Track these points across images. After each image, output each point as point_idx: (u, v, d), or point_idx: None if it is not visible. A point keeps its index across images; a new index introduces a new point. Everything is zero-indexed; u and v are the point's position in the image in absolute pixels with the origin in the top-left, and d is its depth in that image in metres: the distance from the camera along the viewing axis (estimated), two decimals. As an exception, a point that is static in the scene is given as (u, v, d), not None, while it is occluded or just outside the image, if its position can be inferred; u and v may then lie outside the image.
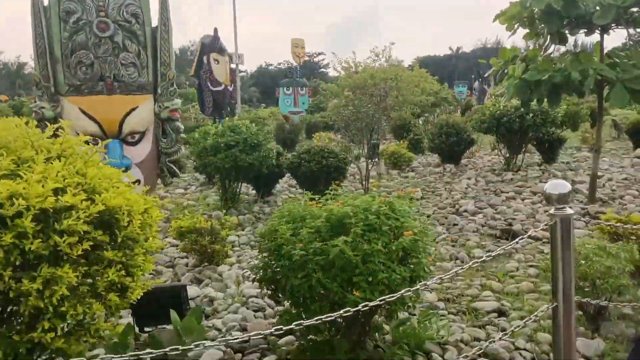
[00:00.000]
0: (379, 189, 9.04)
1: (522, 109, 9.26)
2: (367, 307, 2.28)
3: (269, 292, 3.19)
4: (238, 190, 8.06)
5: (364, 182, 8.91)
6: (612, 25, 6.78)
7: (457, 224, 6.57)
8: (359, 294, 2.70)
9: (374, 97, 8.62)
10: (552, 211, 2.41)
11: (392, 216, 3.01)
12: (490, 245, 5.63)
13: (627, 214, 6.16)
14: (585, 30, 7.00)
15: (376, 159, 10.48)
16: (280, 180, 8.98)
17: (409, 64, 31.80)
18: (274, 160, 7.89)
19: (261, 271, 3.13)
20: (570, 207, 2.51)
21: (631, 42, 7.20)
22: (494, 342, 2.76)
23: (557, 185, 2.41)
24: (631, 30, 6.94)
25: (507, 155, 10.32)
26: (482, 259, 2.62)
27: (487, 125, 9.96)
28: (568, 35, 7.18)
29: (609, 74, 5.86)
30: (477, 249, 5.51)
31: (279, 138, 16.96)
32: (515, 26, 6.94)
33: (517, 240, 2.80)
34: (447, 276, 2.42)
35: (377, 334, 3.21)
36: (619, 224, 3.97)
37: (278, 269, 2.98)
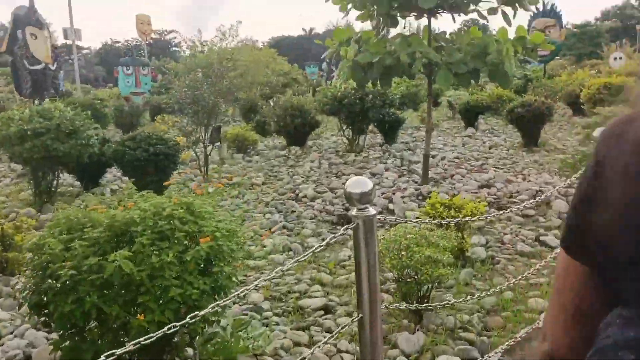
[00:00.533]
0: (220, 175, 8.57)
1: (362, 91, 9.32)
2: (151, 338, 1.82)
3: (41, 320, 2.59)
4: (55, 182, 7.08)
5: (202, 169, 8.38)
6: (439, 9, 6.95)
7: (294, 211, 6.35)
8: (143, 317, 2.24)
9: (210, 78, 8.05)
10: (354, 212, 2.14)
11: (190, 220, 2.58)
12: (325, 232, 5.46)
13: (453, 195, 6.41)
14: (415, 13, 7.12)
15: (218, 144, 9.96)
16: (109, 170, 8.11)
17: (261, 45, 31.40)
18: (96, 148, 7.04)
19: (29, 295, 2.53)
20: (374, 206, 2.27)
21: (466, 27, 7.46)
22: (319, 347, 2.47)
23: (358, 183, 2.13)
24: (456, 15, 7.19)
25: (350, 136, 10.39)
26: (312, 250, 2.25)
27: (330, 107, 9.91)
28: (399, 18, 7.28)
29: (434, 57, 5.94)
30: (312, 238, 5.30)
31: (117, 122, 15.65)
32: (349, 7, 6.82)
33: (348, 226, 2.52)
34: (268, 278, 2.03)
35: (180, 354, 2.78)
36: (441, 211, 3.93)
37: (45, 293, 2.41)
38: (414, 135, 12.68)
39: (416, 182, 7.45)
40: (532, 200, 6.38)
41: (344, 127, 10.46)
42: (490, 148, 10.42)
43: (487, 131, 13.20)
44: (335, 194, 7.03)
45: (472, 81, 6.56)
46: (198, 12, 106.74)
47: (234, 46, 18.68)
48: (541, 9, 17.52)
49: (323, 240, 5.33)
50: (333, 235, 2.26)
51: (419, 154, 9.92)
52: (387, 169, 8.44)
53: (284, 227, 5.74)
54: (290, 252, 4.93)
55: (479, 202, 4.71)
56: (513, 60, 6.35)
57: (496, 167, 8.31)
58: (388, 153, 10.06)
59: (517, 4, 6.54)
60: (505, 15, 6.73)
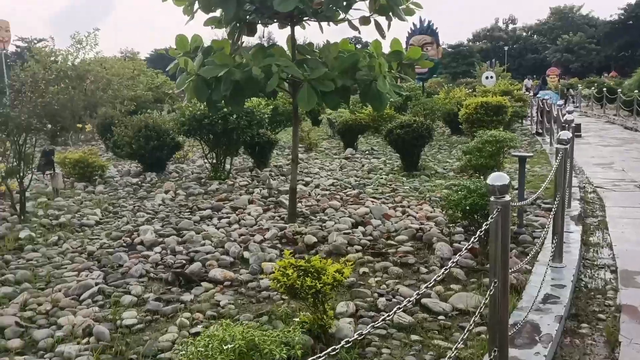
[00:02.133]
0: (46, 213, 6.86)
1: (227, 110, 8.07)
2: None
3: None
4: None
5: (17, 206, 6.64)
6: (304, 17, 5.92)
7: (121, 265, 4.91)
8: None
9: (21, 93, 6.39)
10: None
11: None
12: (151, 300, 4.10)
13: (322, 238, 5.34)
14: (276, 21, 6.04)
15: (51, 172, 8.18)
16: None
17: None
18: None
19: None
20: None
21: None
22: None
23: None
24: (325, 25, 6.21)
25: (214, 161, 9.08)
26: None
27: (188, 128, 8.54)
28: (260, 26, 6.17)
29: (295, 72, 4.86)
30: (130, 311, 3.92)
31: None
32: (195, 9, 5.57)
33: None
34: None
35: None
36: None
37: None
38: (289, 158, 11.60)
39: (283, 219, 6.32)
40: (412, 242, 5.52)
41: (206, 151, 9.13)
42: (369, 172, 9.60)
43: (367, 152, 12.51)
44: (181, 237, 5.67)
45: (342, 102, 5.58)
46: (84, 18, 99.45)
47: (93, 56, 16.60)
48: (418, 26, 17.44)
49: (147, 313, 4.00)
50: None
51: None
52: (251, 201, 7.24)
53: (99, 292, 4.30)
54: (92, 338, 3.51)
55: (346, 263, 3.63)
56: (388, 78, 5.44)
57: (374, 197, 7.42)
58: (257, 180, 8.87)
59: (391, 14, 5.67)
60: (378, 26, 5.84)
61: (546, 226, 4.53)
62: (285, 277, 3.26)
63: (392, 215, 6.24)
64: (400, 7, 5.78)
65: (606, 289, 4.25)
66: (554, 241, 4.41)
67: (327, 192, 7.84)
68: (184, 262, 4.92)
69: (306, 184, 8.52)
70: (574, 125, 6.34)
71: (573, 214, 6.20)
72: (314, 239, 5.40)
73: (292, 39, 5.88)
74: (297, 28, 6.13)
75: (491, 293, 2.54)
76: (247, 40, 7.36)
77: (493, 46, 78.87)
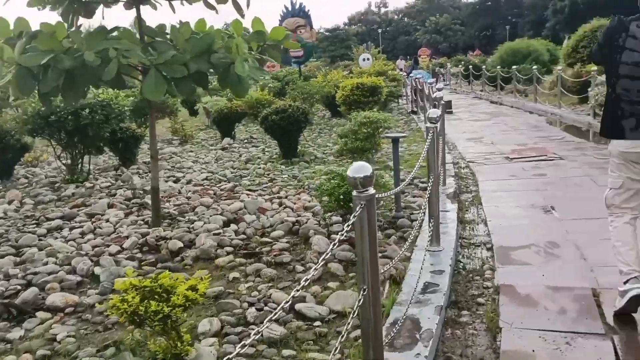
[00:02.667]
0: None
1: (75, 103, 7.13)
2: None
3: None
4: None
5: None
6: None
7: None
8: None
9: None
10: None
11: None
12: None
13: (190, 242, 4.77)
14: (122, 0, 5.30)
15: None
16: None
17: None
18: None
19: None
20: None
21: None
22: None
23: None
24: (177, 3, 5.58)
25: (69, 162, 8.08)
26: None
27: (32, 127, 7.47)
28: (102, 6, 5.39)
29: (137, 56, 4.21)
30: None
31: None
32: (13, -15, 4.68)
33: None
34: None
35: None
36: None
37: None
38: (163, 152, 10.78)
39: (147, 223, 5.65)
40: (289, 237, 5.13)
41: (59, 151, 8.09)
42: (246, 162, 9.10)
43: (246, 141, 11.98)
44: (20, 256, 4.82)
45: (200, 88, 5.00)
46: None
47: None
48: (290, 9, 17.07)
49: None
50: None
51: (163, 176, 8.11)
52: (112, 205, 6.45)
53: None
54: None
55: (203, 278, 3.12)
56: (250, 60, 4.96)
57: (250, 190, 6.94)
58: (122, 180, 8.02)
59: (248, -10, 5.18)
60: (236, 4, 5.33)
61: (422, 208, 4.35)
62: (126, 303, 2.69)
63: (267, 209, 5.81)
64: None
65: (484, 270, 4.15)
66: (430, 225, 4.23)
67: (200, 188, 7.22)
68: (18, 287, 4.12)
69: (177, 181, 7.84)
70: (443, 102, 6.29)
71: (449, 192, 6.17)
72: (180, 244, 4.82)
73: (138, 19, 5.19)
74: (151, 10, 5.47)
75: (360, 303, 2.18)
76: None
77: (368, 29, 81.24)
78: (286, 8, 16.99)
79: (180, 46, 4.62)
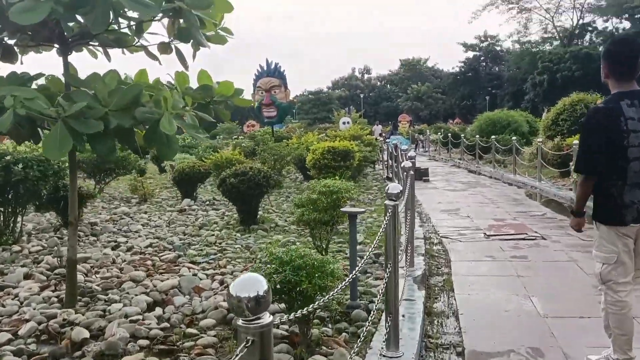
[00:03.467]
0: None
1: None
2: None
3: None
4: None
5: None
6: (82, 40, 4.62)
7: None
8: None
9: None
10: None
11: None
12: None
13: (98, 331, 3.85)
14: (56, 45, 4.65)
15: None
16: None
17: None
18: None
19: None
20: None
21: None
22: None
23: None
24: (118, 52, 4.96)
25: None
26: None
27: (-47, 181, 6.63)
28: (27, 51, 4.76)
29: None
30: None
31: None
32: None
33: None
34: None
35: None
36: None
37: None
38: (115, 212, 9.94)
39: (62, 301, 4.76)
40: (221, 328, 4.28)
41: (-14, 209, 7.22)
42: (200, 228, 8.29)
43: (208, 203, 11.19)
44: None
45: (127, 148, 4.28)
46: None
47: None
48: (265, 68, 16.74)
49: None
50: None
51: (103, 241, 7.26)
52: (29, 276, 5.56)
53: None
54: None
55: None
56: (189, 117, 4.29)
57: (194, 262, 6.11)
58: (49, 245, 7.14)
59: (192, 40, 4.57)
60: (179, 54, 4.72)
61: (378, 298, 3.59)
62: None
63: (204, 289, 4.97)
64: (206, 33, 4.74)
65: (452, 385, 3.34)
66: (387, 324, 3.44)
67: (138, 257, 6.37)
68: None
69: (116, 247, 6.97)
70: (412, 172, 5.64)
71: (416, 274, 5.41)
72: (86, 333, 3.94)
73: (64, 65, 4.52)
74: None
75: None
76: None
77: (351, 94, 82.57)
78: (261, 67, 16.65)
79: (102, 98, 3.92)
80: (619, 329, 3.20)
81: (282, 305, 3.64)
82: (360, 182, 14.49)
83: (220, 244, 7.17)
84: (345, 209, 4.30)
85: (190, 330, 4.03)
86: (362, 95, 76.85)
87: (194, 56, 4.87)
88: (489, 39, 70.83)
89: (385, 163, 16.94)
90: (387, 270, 3.41)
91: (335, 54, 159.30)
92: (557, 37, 61.99)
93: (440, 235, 7.81)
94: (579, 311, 4.45)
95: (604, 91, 20.00)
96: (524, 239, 7.31)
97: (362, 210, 4.27)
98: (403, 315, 4.23)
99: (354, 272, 3.78)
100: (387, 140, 18.24)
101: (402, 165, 5.63)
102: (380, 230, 3.37)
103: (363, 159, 13.42)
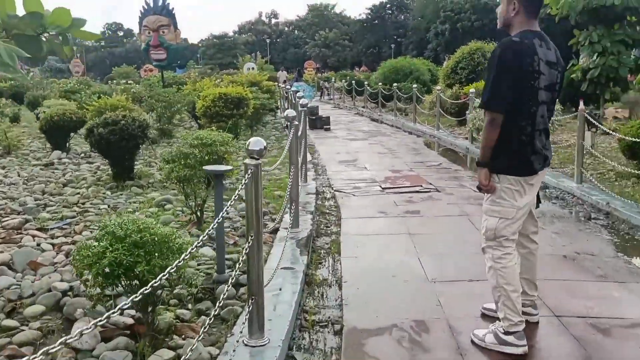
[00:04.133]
0: None
1: None
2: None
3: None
4: None
5: None
6: None
7: None
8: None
9: None
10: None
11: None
12: None
13: None
14: None
15: None
16: None
17: None
18: None
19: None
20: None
21: None
22: None
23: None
24: None
25: None
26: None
27: None
28: None
29: None
30: None
31: None
32: None
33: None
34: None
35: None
36: None
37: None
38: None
39: None
40: (49, 317, 3.50)
41: None
42: (65, 185, 7.23)
43: (83, 155, 9.98)
44: None
45: None
46: None
47: None
48: (152, 5, 15.14)
49: None
50: None
51: None
52: None
53: None
54: None
55: None
56: (2, 50, 3.31)
57: (41, 230, 5.17)
58: None
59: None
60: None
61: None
62: None
63: (42, 264, 4.12)
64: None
65: (324, 376, 2.84)
66: (249, 307, 2.85)
67: (-22, 224, 5.31)
68: None
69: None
70: (298, 122, 5.00)
71: (301, 237, 4.86)
72: None
73: None
74: None
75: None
76: None
77: (258, 39, 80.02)
78: (147, 4, 14.99)
79: None
80: (509, 284, 2.91)
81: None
82: (258, 131, 13.72)
83: (83, 204, 6.22)
84: (207, 167, 3.60)
85: (8, 322, 3.22)
86: (268, 41, 74.70)
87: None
88: (394, -14, 70.71)
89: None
90: (247, 243, 2.78)
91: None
92: (459, -13, 62.92)
93: (334, 188, 7.34)
94: (467, 274, 4.12)
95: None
96: (418, 192, 7.00)
97: (228, 168, 3.58)
98: (280, 289, 3.68)
99: (221, 239, 3.15)
100: (290, 87, 17.48)
101: (285, 114, 4.98)
102: (233, 196, 2.71)
103: (260, 107, 12.62)
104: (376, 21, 70.30)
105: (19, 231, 5.10)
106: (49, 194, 6.74)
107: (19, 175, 7.95)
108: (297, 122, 5.03)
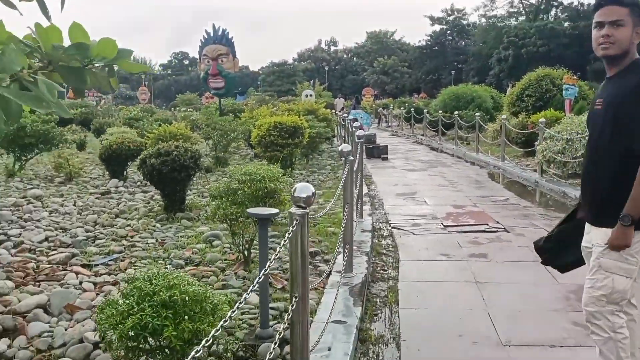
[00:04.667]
0: None
1: None
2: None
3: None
4: None
5: None
6: None
7: None
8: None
9: None
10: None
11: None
12: None
13: None
14: None
15: None
16: None
17: None
18: None
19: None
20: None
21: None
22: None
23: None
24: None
25: None
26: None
27: None
28: None
29: None
30: None
31: None
32: None
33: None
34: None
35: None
36: None
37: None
38: (26, 195, 8.65)
39: None
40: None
41: None
42: (117, 216, 7.14)
43: (140, 184, 9.97)
44: None
45: None
46: None
47: None
48: (212, 34, 15.32)
49: None
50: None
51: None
52: None
53: None
54: None
55: None
56: (41, 82, 3.12)
57: (85, 266, 4.99)
58: None
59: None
60: (41, 2, 3.51)
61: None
62: None
63: (80, 307, 3.88)
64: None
65: None
66: (291, 381, 2.44)
67: (20, 259, 5.20)
68: None
69: (0, 242, 5.77)
70: (351, 158, 4.62)
71: (355, 283, 4.43)
72: None
73: None
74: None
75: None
76: None
77: (317, 66, 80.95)
78: (207, 33, 15.21)
79: None
80: (628, 358, 2.50)
81: None
82: (314, 160, 13.47)
83: (132, 237, 6.05)
84: (251, 211, 3.27)
85: (33, 377, 2.96)
86: (327, 68, 75.39)
87: (62, 5, 3.69)
88: (455, 13, 70.02)
89: (343, 139, 15.93)
90: (291, 306, 2.40)
91: (302, 27, 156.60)
92: (523, 12, 61.67)
93: (391, 225, 6.88)
94: (548, 337, 3.55)
95: (570, 67, 19.38)
96: (484, 231, 6.43)
97: (274, 212, 3.23)
98: (329, 349, 3.27)
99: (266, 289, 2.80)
100: (347, 115, 17.20)
101: (339, 148, 4.61)
102: (278, 248, 2.34)
103: (316, 136, 12.36)
104: (436, 47, 69.63)
105: (64, 266, 4.94)
106: (100, 225, 6.63)
107: (74, 205, 7.94)
108: (352, 157, 4.65)
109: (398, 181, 10.53)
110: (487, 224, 6.74)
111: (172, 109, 37.41)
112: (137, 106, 29.60)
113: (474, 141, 15.09)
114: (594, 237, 2.63)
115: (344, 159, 4.60)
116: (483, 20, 65.32)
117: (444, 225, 6.77)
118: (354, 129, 7.86)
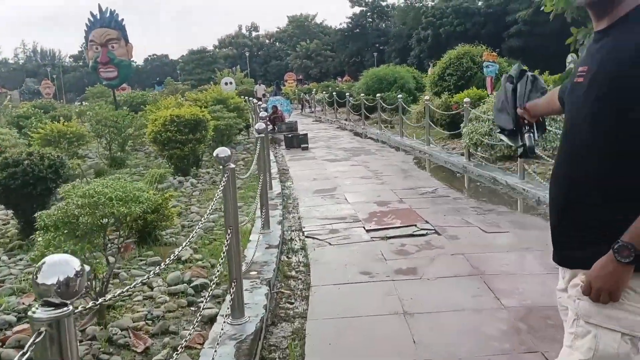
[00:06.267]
0: None
1: None
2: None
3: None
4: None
5: None
6: None
7: None
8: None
9: None
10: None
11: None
12: None
13: None
14: None
15: None
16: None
17: None
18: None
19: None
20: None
21: None
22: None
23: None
24: None
25: None
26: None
27: None
28: None
29: None
30: None
31: None
32: None
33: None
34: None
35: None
36: None
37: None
38: None
39: None
40: None
41: None
42: (-45, 247, 5.58)
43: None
44: None
45: None
46: None
47: None
48: (99, 17, 13.51)
49: None
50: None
51: None
52: None
53: None
54: None
55: None
56: None
57: None
58: None
59: None
60: None
61: None
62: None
63: None
64: None
65: None
66: None
67: None
68: None
69: None
70: (231, 165, 3.43)
71: (246, 334, 3.26)
72: None
73: None
74: None
75: None
76: None
77: (239, 53, 78.56)
78: (92, 16, 13.30)
79: None
80: None
81: None
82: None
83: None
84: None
85: None
86: (249, 54, 73.28)
87: None
88: (374, -6, 69.69)
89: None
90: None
91: (224, 12, 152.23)
92: (439, -8, 62.05)
93: (305, 233, 5.77)
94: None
95: (486, 45, 18.98)
96: (412, 235, 5.45)
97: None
98: None
99: None
100: (267, 102, 15.93)
101: (215, 153, 3.39)
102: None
103: (225, 128, 11.02)
104: (357, 30, 69.12)
105: None
106: None
107: None
108: (232, 165, 3.47)
109: (318, 175, 9.44)
110: (415, 225, 5.77)
111: (81, 103, 34.57)
112: (36, 101, 26.79)
113: (398, 124, 14.27)
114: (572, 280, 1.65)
115: (222, 167, 3.40)
116: (402, 1, 65.36)
117: (366, 230, 5.74)
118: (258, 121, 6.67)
